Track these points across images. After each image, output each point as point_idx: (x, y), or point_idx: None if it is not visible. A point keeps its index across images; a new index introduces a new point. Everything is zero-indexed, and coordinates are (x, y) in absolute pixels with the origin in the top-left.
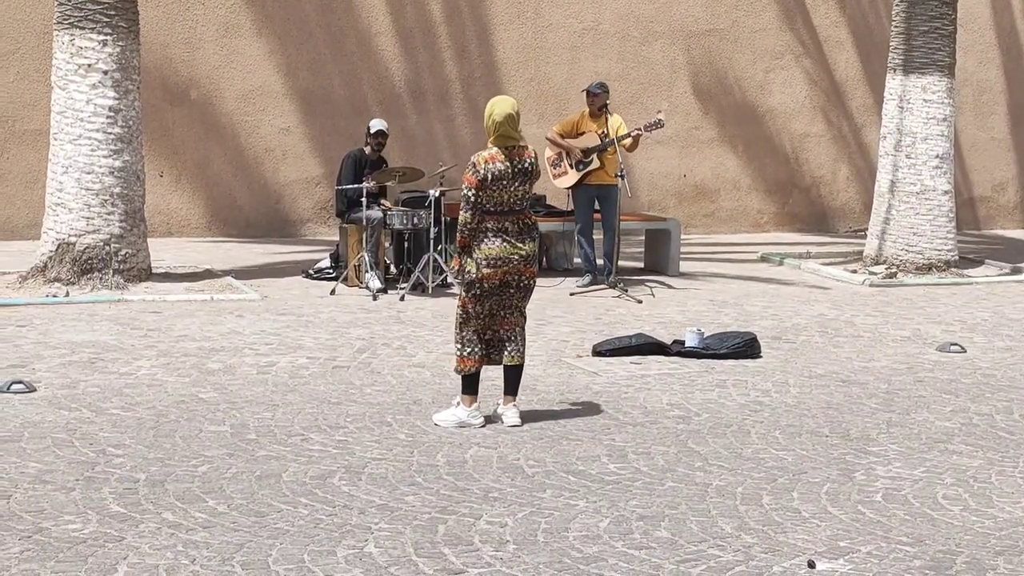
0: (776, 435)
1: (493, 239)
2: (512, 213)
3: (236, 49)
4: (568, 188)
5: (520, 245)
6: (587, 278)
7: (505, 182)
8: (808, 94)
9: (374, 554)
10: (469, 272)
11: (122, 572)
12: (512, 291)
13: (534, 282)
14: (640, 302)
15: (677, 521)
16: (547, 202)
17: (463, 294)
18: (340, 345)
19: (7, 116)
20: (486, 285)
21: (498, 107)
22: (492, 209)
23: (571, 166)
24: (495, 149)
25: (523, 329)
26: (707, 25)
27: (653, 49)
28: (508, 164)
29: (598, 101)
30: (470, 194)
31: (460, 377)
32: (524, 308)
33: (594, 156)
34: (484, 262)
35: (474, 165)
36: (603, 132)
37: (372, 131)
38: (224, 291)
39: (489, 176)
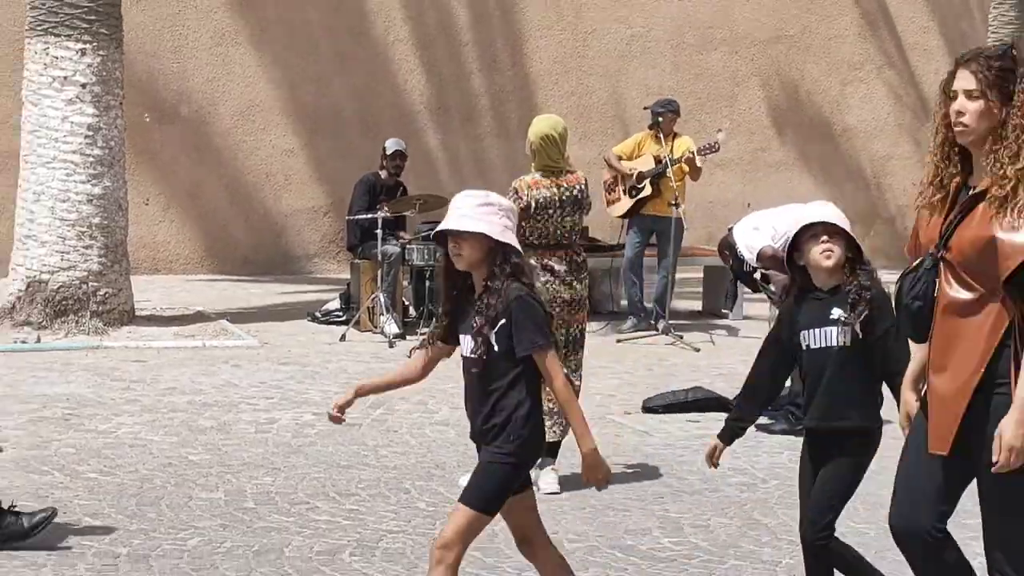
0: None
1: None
2: (559, 248)
3: (232, 59)
4: (621, 217)
5: (565, 287)
6: (630, 321)
7: (552, 211)
8: (892, 110)
9: None
10: None
11: None
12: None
13: (583, 332)
14: (698, 350)
15: None
16: (589, 234)
17: None
18: None
19: None
20: None
21: (535, 127)
22: (536, 242)
23: (624, 192)
24: (538, 175)
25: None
26: (774, 31)
27: (712, 59)
28: (556, 191)
29: (662, 121)
30: None
31: None
32: (572, 365)
33: (647, 182)
34: None
35: (516, 191)
36: (663, 154)
37: (388, 152)
38: (218, 337)
39: (533, 204)
